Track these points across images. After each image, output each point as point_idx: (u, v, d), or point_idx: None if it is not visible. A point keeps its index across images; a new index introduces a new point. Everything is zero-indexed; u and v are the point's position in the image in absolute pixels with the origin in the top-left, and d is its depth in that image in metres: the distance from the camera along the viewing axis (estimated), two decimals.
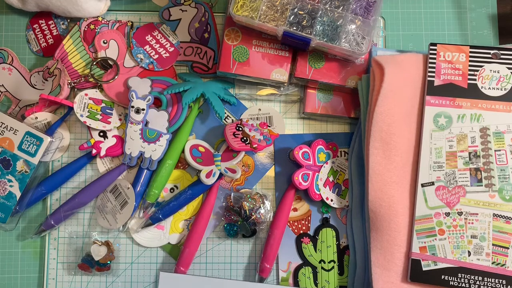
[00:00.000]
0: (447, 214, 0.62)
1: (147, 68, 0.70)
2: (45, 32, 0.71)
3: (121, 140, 0.68)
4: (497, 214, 0.61)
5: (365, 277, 0.64)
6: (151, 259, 0.68)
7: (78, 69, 0.70)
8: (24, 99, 0.69)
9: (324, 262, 0.68)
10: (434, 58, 0.64)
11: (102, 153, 0.67)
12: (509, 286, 0.60)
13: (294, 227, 0.69)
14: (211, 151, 0.68)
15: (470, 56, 0.64)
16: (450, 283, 0.60)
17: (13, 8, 0.70)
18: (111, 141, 0.68)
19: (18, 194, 0.65)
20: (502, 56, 0.64)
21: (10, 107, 0.69)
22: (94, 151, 0.67)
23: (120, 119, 0.69)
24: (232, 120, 0.71)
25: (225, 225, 0.67)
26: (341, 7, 0.64)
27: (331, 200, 0.67)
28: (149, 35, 0.70)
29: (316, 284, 0.67)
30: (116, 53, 0.70)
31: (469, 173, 0.62)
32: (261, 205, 0.67)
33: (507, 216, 0.61)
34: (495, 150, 0.62)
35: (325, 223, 0.69)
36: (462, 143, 0.63)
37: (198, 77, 0.70)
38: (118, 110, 0.69)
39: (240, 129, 0.66)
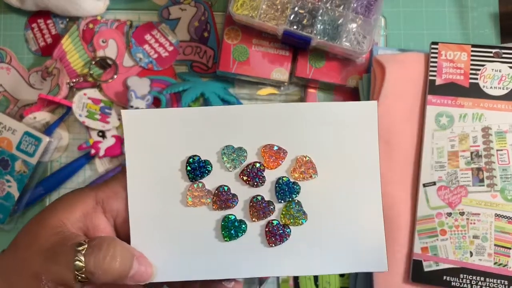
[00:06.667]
0: (449, 214, 0.61)
1: (146, 67, 0.69)
2: (43, 32, 0.71)
3: (120, 140, 0.68)
4: (499, 214, 0.61)
5: (366, 278, 0.64)
6: None
7: (76, 68, 0.69)
8: (23, 99, 0.69)
9: None
10: (436, 57, 0.64)
11: (101, 153, 0.66)
12: (511, 286, 0.59)
13: None
14: None
15: (472, 55, 0.64)
16: (452, 283, 0.60)
17: (12, 7, 0.69)
18: (110, 141, 0.68)
19: (16, 194, 0.64)
20: (504, 55, 0.63)
21: (9, 106, 0.69)
22: (93, 151, 0.66)
23: (119, 119, 0.68)
24: None
25: None
26: (342, 6, 0.64)
27: None
28: (148, 34, 0.70)
29: (317, 286, 0.67)
30: (115, 53, 0.69)
31: (471, 173, 0.62)
32: None
33: (509, 216, 0.60)
34: (497, 150, 0.62)
35: None
36: (464, 143, 0.62)
37: (198, 76, 0.70)
38: (117, 110, 0.69)
39: None
